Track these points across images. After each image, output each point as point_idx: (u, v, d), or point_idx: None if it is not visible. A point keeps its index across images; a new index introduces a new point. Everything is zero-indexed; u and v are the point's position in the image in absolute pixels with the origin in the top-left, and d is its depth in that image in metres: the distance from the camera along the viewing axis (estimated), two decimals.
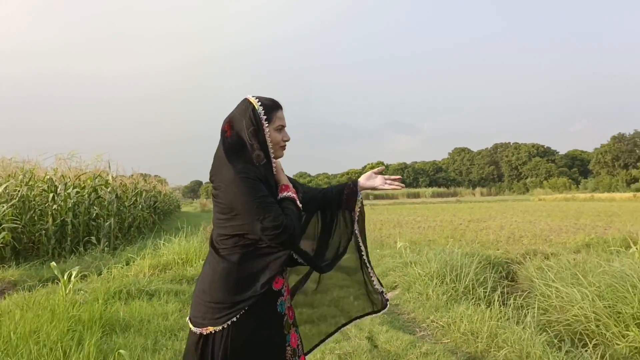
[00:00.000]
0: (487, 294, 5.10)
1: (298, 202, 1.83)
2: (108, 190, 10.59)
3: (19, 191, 8.68)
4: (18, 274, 6.55)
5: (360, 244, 2.10)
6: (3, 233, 7.41)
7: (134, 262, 7.07)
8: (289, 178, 1.95)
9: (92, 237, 9.38)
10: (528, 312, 4.24)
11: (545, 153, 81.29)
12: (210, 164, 1.83)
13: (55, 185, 9.52)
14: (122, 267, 6.66)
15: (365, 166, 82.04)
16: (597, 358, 3.41)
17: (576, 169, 77.48)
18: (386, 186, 2.03)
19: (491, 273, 5.82)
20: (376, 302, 2.16)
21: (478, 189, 71.50)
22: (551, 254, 7.34)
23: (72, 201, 9.44)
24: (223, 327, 1.69)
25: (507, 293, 5.17)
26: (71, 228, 9.21)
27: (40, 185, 9.52)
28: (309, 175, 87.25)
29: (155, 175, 26.44)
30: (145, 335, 4.01)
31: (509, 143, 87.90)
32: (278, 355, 1.81)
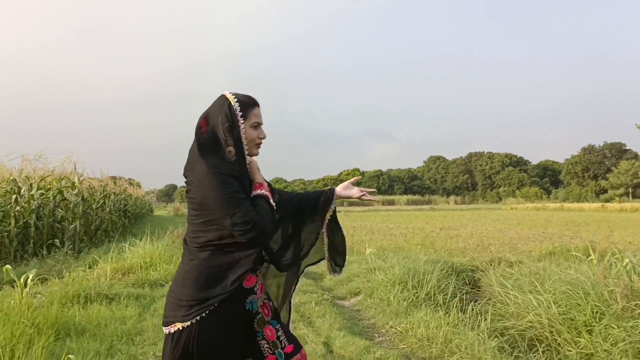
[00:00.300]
0: (447, 300, 5.16)
1: (271, 200, 1.84)
2: (74, 192, 10.36)
3: None
4: None
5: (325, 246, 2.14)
6: None
7: (97, 265, 6.93)
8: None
9: (57, 240, 9.14)
10: (485, 319, 4.31)
11: (518, 163, 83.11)
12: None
13: (19, 187, 9.26)
14: (84, 271, 6.51)
15: (341, 172, 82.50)
16: None
17: (547, 179, 79.43)
18: (363, 198, 2.07)
19: (453, 280, 5.88)
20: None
21: (452, 197, 72.63)
22: (515, 262, 7.44)
23: (35, 203, 9.20)
24: (191, 323, 1.69)
25: (468, 300, 5.24)
26: (34, 230, 8.96)
27: (3, 186, 9.26)
28: (285, 181, 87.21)
29: (129, 179, 26.12)
30: (100, 339, 3.94)
31: (483, 152, 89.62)
32: (245, 351, 1.83)
